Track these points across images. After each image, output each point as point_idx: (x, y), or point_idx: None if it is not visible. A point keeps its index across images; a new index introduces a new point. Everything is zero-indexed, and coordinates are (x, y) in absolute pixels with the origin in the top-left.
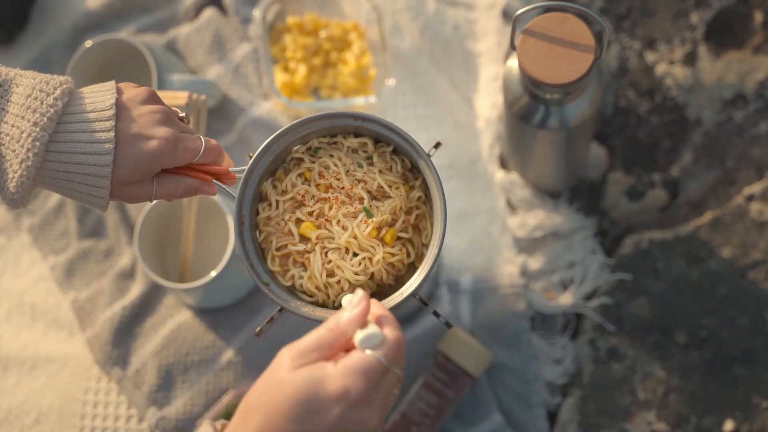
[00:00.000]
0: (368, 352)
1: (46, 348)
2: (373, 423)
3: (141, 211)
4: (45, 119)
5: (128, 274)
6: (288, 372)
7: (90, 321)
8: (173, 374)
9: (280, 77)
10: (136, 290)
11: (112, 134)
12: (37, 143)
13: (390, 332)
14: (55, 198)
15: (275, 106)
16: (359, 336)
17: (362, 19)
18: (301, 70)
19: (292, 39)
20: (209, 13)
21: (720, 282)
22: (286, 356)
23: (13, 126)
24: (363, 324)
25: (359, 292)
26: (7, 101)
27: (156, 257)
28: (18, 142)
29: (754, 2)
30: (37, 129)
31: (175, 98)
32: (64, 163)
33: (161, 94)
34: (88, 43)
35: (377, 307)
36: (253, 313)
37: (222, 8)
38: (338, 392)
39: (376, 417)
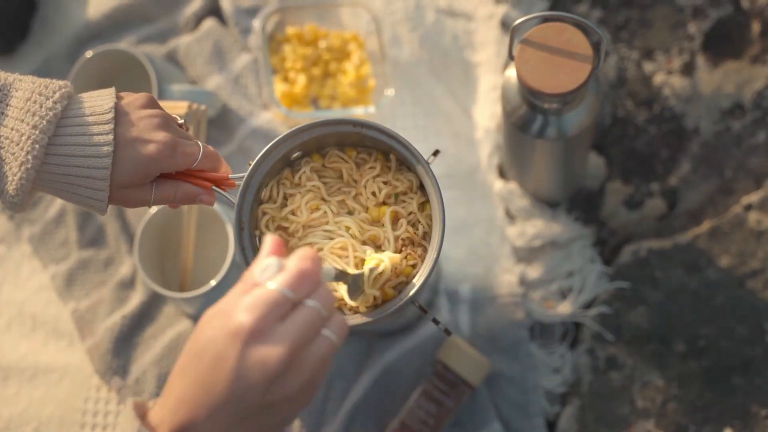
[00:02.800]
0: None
1: (46, 358)
2: (275, 359)
3: (141, 221)
4: (44, 122)
5: (128, 284)
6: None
7: (90, 330)
8: None
9: (279, 87)
10: (136, 299)
11: (110, 137)
12: (37, 146)
13: (293, 261)
14: (55, 207)
15: (275, 116)
16: (255, 270)
17: (361, 29)
18: (301, 80)
19: (291, 49)
20: (209, 23)
21: (718, 291)
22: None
23: (12, 129)
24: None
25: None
26: (7, 105)
27: (156, 267)
28: (17, 145)
29: (752, 12)
30: (37, 132)
31: (175, 108)
32: (63, 165)
33: (161, 104)
34: (89, 54)
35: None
36: None
37: (222, 19)
38: (233, 328)
39: (279, 352)
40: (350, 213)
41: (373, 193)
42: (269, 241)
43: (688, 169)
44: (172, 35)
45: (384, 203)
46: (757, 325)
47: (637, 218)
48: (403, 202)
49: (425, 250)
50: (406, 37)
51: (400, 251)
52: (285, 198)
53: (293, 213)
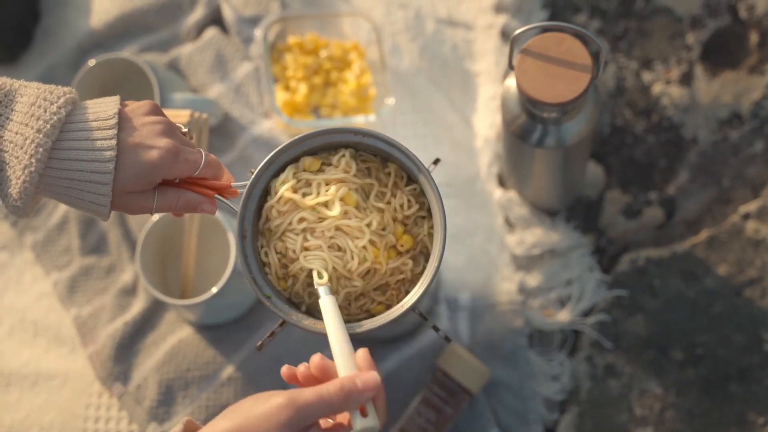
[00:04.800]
0: None
1: (47, 364)
2: None
3: (143, 228)
4: (48, 126)
5: (130, 291)
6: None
7: (92, 337)
8: (174, 390)
9: (280, 96)
10: (137, 306)
11: (113, 142)
12: (41, 149)
13: (381, 418)
14: (57, 215)
15: (276, 124)
16: (359, 425)
17: (362, 39)
18: (302, 89)
19: (293, 58)
20: (211, 32)
21: (716, 300)
22: (284, 409)
23: (16, 133)
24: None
25: (375, 374)
26: (11, 110)
27: (157, 274)
28: (21, 148)
29: (750, 23)
30: (41, 135)
31: (177, 116)
32: (66, 170)
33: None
34: (92, 62)
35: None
36: (253, 330)
37: (224, 28)
38: None
39: None
40: (384, 229)
41: (401, 206)
42: (375, 390)
43: (686, 179)
44: (174, 44)
45: (404, 223)
46: (755, 334)
47: (635, 227)
48: (415, 225)
49: (413, 285)
50: (406, 46)
51: (393, 288)
52: (307, 185)
53: (325, 205)
